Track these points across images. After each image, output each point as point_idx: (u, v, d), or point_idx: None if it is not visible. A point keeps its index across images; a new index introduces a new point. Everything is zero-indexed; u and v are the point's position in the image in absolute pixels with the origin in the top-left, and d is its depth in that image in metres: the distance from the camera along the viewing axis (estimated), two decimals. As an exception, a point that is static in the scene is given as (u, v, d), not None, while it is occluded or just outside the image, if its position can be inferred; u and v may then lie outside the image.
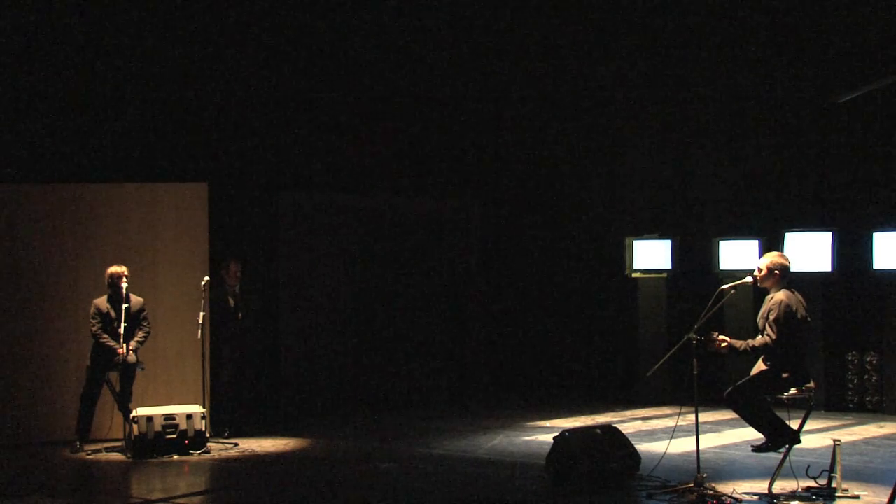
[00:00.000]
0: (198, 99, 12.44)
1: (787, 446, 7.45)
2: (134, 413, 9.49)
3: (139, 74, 12.21)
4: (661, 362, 8.20)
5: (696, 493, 7.28)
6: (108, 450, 9.66)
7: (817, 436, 9.74)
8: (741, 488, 7.57)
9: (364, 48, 13.61)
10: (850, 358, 11.71)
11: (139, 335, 9.90)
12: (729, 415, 9.38)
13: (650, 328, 13.06)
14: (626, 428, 9.78)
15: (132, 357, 9.76)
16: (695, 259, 12.93)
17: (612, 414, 11.71)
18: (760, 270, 7.67)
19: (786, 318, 7.41)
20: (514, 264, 14.57)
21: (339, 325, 13.39)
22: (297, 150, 13.14)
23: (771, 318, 7.44)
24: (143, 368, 9.92)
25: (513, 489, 7.85)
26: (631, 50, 13.89)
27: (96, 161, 11.76)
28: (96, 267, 10.20)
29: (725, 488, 7.49)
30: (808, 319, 7.61)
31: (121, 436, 9.66)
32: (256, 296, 11.31)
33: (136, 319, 9.90)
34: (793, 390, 7.46)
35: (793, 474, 7.44)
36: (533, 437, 10.22)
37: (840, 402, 11.71)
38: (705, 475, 7.47)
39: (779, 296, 7.52)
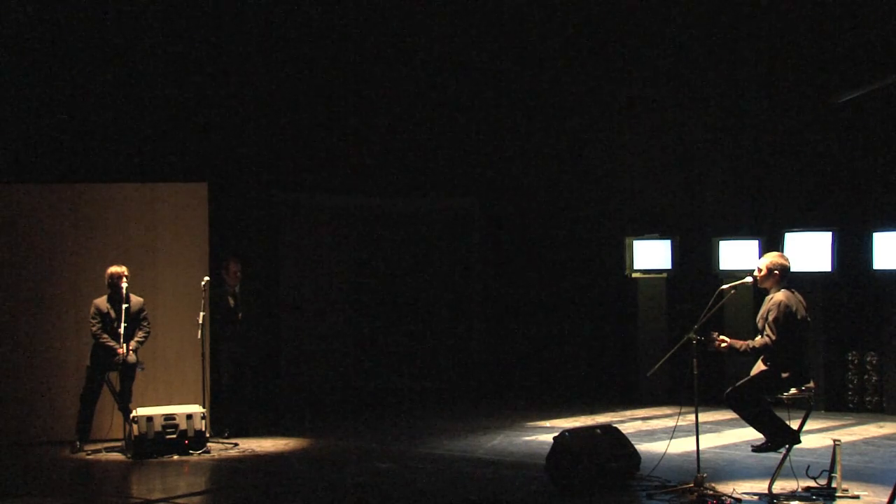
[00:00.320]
0: (198, 99, 12.45)
1: (787, 446, 7.45)
2: (134, 413, 9.49)
3: (139, 74, 12.21)
4: (661, 362, 8.19)
5: (696, 493, 7.28)
6: (108, 450, 9.66)
7: (817, 436, 9.74)
8: (741, 488, 7.57)
9: (364, 48, 13.61)
10: (850, 358, 11.71)
11: (139, 335, 9.90)
12: (729, 415, 9.38)
13: (650, 328, 13.05)
14: (626, 428, 9.78)
15: (132, 357, 9.76)
16: (695, 259, 12.93)
17: (612, 414, 11.70)
18: (760, 270, 7.67)
19: (785, 318, 7.41)
20: (514, 264, 14.57)
21: (339, 325, 13.40)
22: (297, 151, 13.14)
23: (770, 318, 7.43)
24: (143, 368, 9.92)
25: (513, 489, 7.84)
26: (631, 50, 13.89)
27: (96, 161, 11.76)
28: (96, 267, 10.19)
29: (725, 488, 7.49)
30: (808, 319, 7.61)
31: (121, 436, 9.66)
32: (255, 296, 11.32)
33: (136, 319, 9.90)
34: (793, 390, 7.46)
35: (793, 474, 7.44)
36: (533, 437, 10.21)
37: (840, 402, 11.70)
38: (705, 475, 7.47)
39: (778, 296, 7.52)
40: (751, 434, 8.10)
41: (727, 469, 8.41)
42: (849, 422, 10.93)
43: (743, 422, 7.67)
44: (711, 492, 7.33)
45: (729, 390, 7.53)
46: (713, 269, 12.40)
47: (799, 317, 7.48)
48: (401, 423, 11.35)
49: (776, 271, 7.62)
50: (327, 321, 13.31)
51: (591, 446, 7.81)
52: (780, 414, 7.50)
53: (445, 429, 10.85)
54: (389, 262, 13.83)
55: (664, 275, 13.00)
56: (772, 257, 7.73)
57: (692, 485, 7.37)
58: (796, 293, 7.62)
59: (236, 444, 9.88)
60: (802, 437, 7.66)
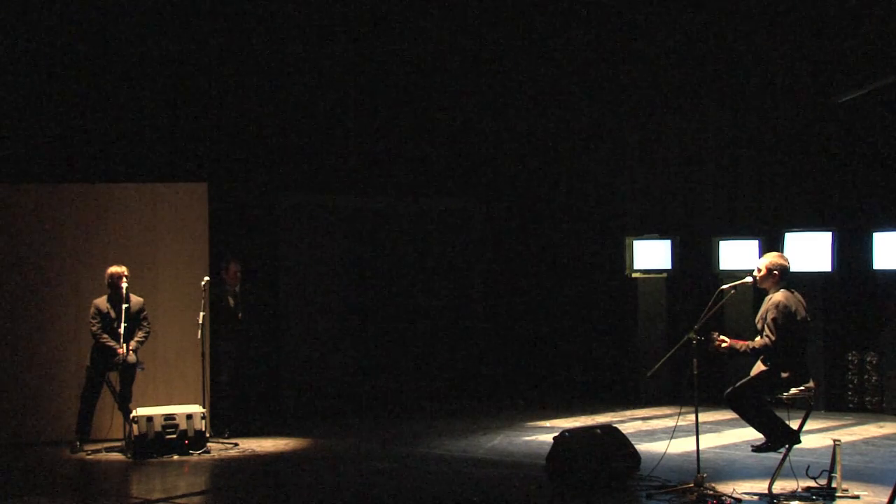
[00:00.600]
0: (198, 99, 12.45)
1: (787, 446, 7.45)
2: (134, 413, 9.49)
3: (139, 74, 12.21)
4: (661, 362, 8.19)
5: (696, 493, 7.28)
6: (108, 450, 9.66)
7: (817, 436, 9.74)
8: (741, 488, 7.57)
9: (364, 48, 13.61)
10: (850, 358, 11.71)
11: (139, 335, 9.90)
12: (729, 415, 9.38)
13: (650, 328, 13.05)
14: (626, 428, 9.78)
15: (132, 357, 9.76)
16: (695, 259, 12.93)
17: (612, 414, 11.71)
18: (760, 270, 7.67)
19: (785, 319, 7.41)
20: (515, 264, 14.57)
21: (339, 326, 13.40)
22: (297, 151, 13.14)
23: (769, 319, 7.43)
24: (143, 368, 9.92)
25: (513, 489, 7.85)
26: (631, 50, 13.89)
27: (96, 161, 11.76)
28: (96, 267, 10.20)
29: (725, 488, 7.49)
30: (808, 320, 7.61)
31: (121, 436, 9.66)
32: (255, 296, 11.32)
33: (136, 319, 9.90)
34: (793, 390, 7.46)
35: (793, 474, 7.44)
36: (533, 437, 10.22)
37: (840, 402, 11.71)
38: (705, 475, 7.47)
39: (777, 297, 7.52)
40: (751, 434, 8.10)
41: (727, 469, 8.41)
42: (849, 422, 10.93)
43: (743, 422, 7.67)
44: (711, 492, 7.33)
45: (729, 390, 7.53)
46: (713, 269, 12.40)
47: (799, 317, 7.48)
48: (401, 423, 11.35)
49: (776, 271, 7.62)
50: (327, 321, 13.31)
51: (591, 446, 7.81)
52: (780, 414, 7.50)
53: (445, 429, 10.86)
54: (389, 262, 13.83)
55: (664, 275, 13.00)
56: (771, 257, 7.73)
57: (692, 485, 7.38)
58: (796, 293, 7.62)
59: (236, 444, 9.88)
60: (802, 437, 7.67)
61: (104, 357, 9.75)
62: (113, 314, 9.79)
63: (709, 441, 9.53)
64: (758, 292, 8.30)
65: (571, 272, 14.37)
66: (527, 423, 11.19)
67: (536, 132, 14.55)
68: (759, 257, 8.60)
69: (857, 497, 7.27)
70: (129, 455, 9.41)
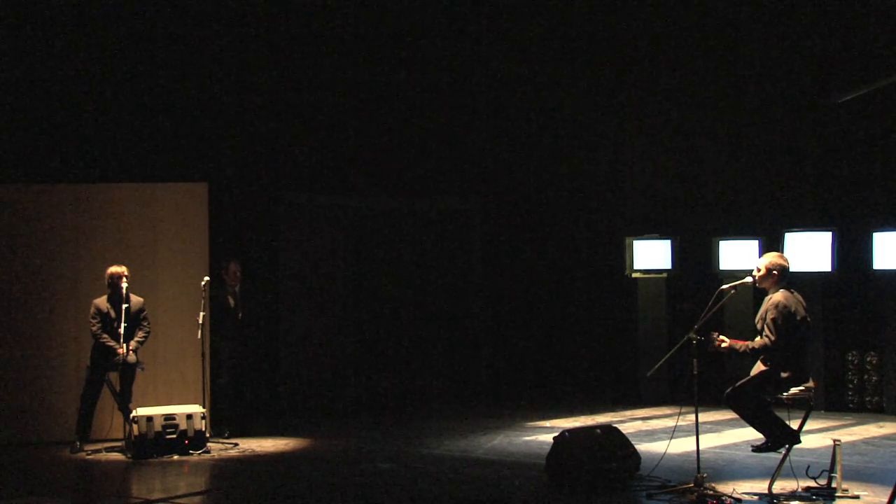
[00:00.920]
0: (198, 99, 12.44)
1: (787, 446, 7.45)
2: (134, 413, 9.49)
3: (139, 74, 12.21)
4: (661, 362, 8.20)
5: (696, 493, 7.28)
6: (108, 450, 9.66)
7: (817, 436, 9.74)
8: (741, 488, 7.57)
9: (364, 48, 13.61)
10: (850, 358, 11.71)
11: (139, 335, 9.90)
12: (729, 415, 9.38)
13: (650, 328, 13.05)
14: (626, 428, 9.78)
15: (132, 357, 9.76)
16: (695, 259, 12.93)
17: (612, 414, 11.71)
18: (759, 270, 7.67)
19: (784, 319, 7.40)
20: (515, 264, 14.57)
21: (339, 326, 13.40)
22: (297, 151, 13.14)
23: (769, 319, 7.43)
24: (143, 368, 9.92)
25: (513, 489, 7.85)
26: (631, 50, 13.89)
27: (96, 161, 11.76)
28: (96, 267, 10.20)
29: (725, 488, 7.49)
30: (808, 320, 7.60)
31: (121, 436, 9.66)
32: (255, 296, 11.32)
33: (136, 319, 9.90)
34: (793, 390, 7.46)
35: (793, 474, 7.44)
36: (533, 437, 10.21)
37: (840, 402, 11.70)
38: (705, 475, 7.47)
39: (777, 297, 7.52)
40: (751, 434, 8.10)
41: (727, 469, 8.41)
42: (849, 422, 10.93)
43: (743, 422, 7.67)
44: (711, 492, 7.33)
45: (729, 390, 7.53)
46: (713, 269, 12.40)
47: (798, 317, 7.48)
48: (401, 423, 11.35)
49: (775, 271, 7.62)
50: (327, 321, 13.31)
51: (591, 446, 7.81)
52: (780, 414, 7.50)
53: (445, 429, 10.86)
54: (389, 262, 13.83)
55: (664, 275, 13.00)
56: (771, 257, 7.73)
57: (692, 485, 7.38)
58: (795, 293, 7.62)
59: (236, 444, 9.88)
60: (802, 437, 7.66)
61: (104, 357, 9.75)
62: (113, 314, 9.79)
63: (709, 441, 9.53)
64: (758, 292, 8.30)
65: (571, 272, 14.37)
66: (527, 423, 11.19)
67: (536, 132, 14.55)
68: (759, 257, 8.59)
69: (857, 497, 7.27)
70: (129, 455, 9.41)
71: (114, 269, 9.86)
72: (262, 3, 12.96)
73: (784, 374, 7.45)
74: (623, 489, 7.70)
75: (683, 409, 8.76)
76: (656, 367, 8.31)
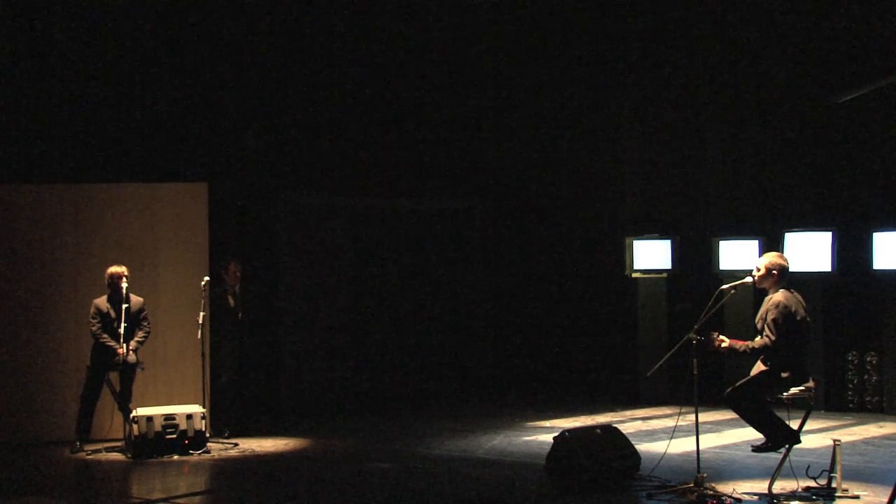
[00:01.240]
0: (198, 99, 12.44)
1: (787, 446, 7.45)
2: (134, 413, 9.49)
3: (139, 74, 12.21)
4: (661, 362, 8.19)
5: (696, 493, 7.28)
6: (108, 450, 9.66)
7: (817, 436, 9.74)
8: (741, 488, 7.57)
9: (364, 48, 13.61)
10: (850, 358, 11.70)
11: (139, 335, 9.90)
12: (729, 415, 9.38)
13: (650, 328, 13.05)
14: (626, 428, 9.78)
15: (132, 357, 9.76)
16: (695, 259, 12.93)
17: (612, 414, 11.71)
18: (759, 270, 7.67)
19: (784, 319, 7.40)
20: (515, 264, 14.57)
21: (338, 326, 13.40)
22: (297, 151, 13.14)
23: (769, 319, 7.43)
24: (143, 368, 9.92)
25: (513, 489, 7.85)
26: (631, 50, 13.89)
27: (96, 161, 11.76)
28: (96, 267, 10.20)
29: (725, 488, 7.49)
30: (808, 320, 7.60)
31: (121, 436, 9.66)
32: (255, 296, 11.32)
33: (136, 319, 9.90)
34: (793, 390, 7.46)
35: (793, 474, 7.44)
36: (533, 437, 10.21)
37: (840, 402, 11.70)
38: (705, 475, 7.47)
39: (777, 297, 7.52)
40: (751, 434, 8.10)
41: (727, 469, 8.41)
42: (849, 422, 10.93)
43: (743, 422, 7.66)
44: (711, 492, 7.33)
45: (729, 390, 7.53)
46: (713, 269, 12.40)
47: (798, 317, 7.48)
48: (401, 423, 11.35)
49: (775, 271, 7.62)
50: (327, 321, 13.31)
51: (591, 446, 7.81)
52: (780, 414, 7.50)
53: (445, 429, 10.85)
54: (389, 262, 13.83)
55: (664, 275, 13.00)
56: (770, 257, 7.73)
57: (692, 485, 7.38)
58: (795, 293, 7.62)
59: (236, 444, 9.88)
60: (802, 437, 7.66)
61: (104, 357, 9.75)
62: (113, 314, 9.80)
63: (709, 441, 9.53)
64: (758, 292, 8.30)
65: (571, 272, 14.36)
66: (527, 423, 11.19)
67: (536, 132, 14.55)
68: (759, 257, 8.59)
69: (857, 497, 7.27)
70: (129, 455, 9.41)
71: (114, 269, 9.86)
72: (262, 3, 12.95)
73: (784, 374, 7.45)
74: (623, 489, 7.70)
75: (683, 409, 8.76)
76: (656, 367, 8.30)
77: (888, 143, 11.92)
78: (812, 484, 7.49)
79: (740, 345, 7.49)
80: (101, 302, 9.87)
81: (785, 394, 7.46)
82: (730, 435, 9.97)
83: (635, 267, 13.12)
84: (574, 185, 14.49)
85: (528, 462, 8.84)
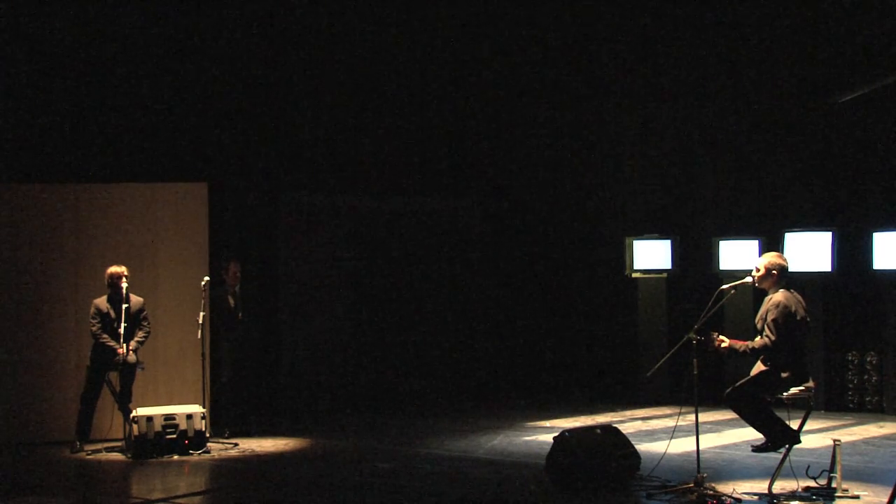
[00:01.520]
0: (198, 99, 12.44)
1: (787, 446, 7.45)
2: (134, 413, 9.49)
3: (139, 74, 12.21)
4: (661, 362, 8.20)
5: (696, 493, 7.28)
6: (108, 450, 9.66)
7: (817, 436, 9.74)
8: (741, 488, 7.57)
9: (364, 49, 13.61)
10: (850, 358, 11.71)
11: (139, 335, 9.90)
12: (729, 415, 9.38)
13: (650, 328, 13.05)
14: (626, 428, 9.78)
15: (132, 357, 9.76)
16: (695, 259, 12.94)
17: (612, 414, 11.71)
18: (758, 270, 7.67)
19: (784, 319, 7.41)
20: (515, 264, 14.57)
21: (338, 325, 13.40)
22: (297, 151, 13.14)
23: (769, 319, 7.44)
24: (143, 368, 9.92)
25: (513, 489, 7.84)
26: (631, 50, 13.89)
27: (96, 161, 11.76)
28: (96, 267, 10.20)
29: (725, 488, 7.49)
30: (808, 320, 7.61)
31: (121, 436, 9.66)
32: (255, 296, 11.32)
33: (136, 319, 9.90)
34: (793, 390, 7.46)
35: (793, 474, 7.44)
36: (533, 437, 10.21)
37: (840, 402, 11.70)
38: (705, 475, 7.47)
39: (777, 297, 7.52)
40: (751, 434, 8.10)
41: (727, 469, 8.41)
42: (849, 422, 10.93)
43: (743, 422, 7.67)
44: (711, 492, 7.33)
45: (729, 390, 7.53)
46: (713, 269, 12.40)
47: (798, 317, 7.48)
48: (401, 423, 11.35)
49: (774, 271, 7.62)
50: (327, 321, 13.31)
51: (591, 446, 7.81)
52: (780, 414, 7.50)
53: (445, 429, 10.86)
54: (389, 262, 13.83)
55: (664, 275, 13.00)
56: (770, 257, 7.74)
57: (692, 485, 7.38)
58: (795, 293, 7.62)
59: (236, 444, 9.88)
60: (802, 437, 7.67)
61: (104, 357, 9.75)
62: (113, 314, 9.79)
63: (709, 441, 9.53)
64: (758, 292, 8.30)
65: (571, 272, 14.36)
66: (527, 423, 11.19)
67: (536, 132, 14.55)
68: (759, 257, 8.60)
69: (857, 497, 7.27)
70: (129, 455, 9.41)
71: (114, 269, 9.86)
72: (262, 3, 12.95)
73: (784, 374, 7.45)
74: (623, 489, 7.70)
75: (683, 409, 8.75)
76: (656, 367, 8.31)
77: (888, 143, 11.92)
78: (812, 484, 7.49)
79: (740, 345, 7.50)
80: (101, 302, 9.87)
81: (785, 394, 7.46)
82: (730, 435, 9.97)
83: (635, 267, 13.13)
84: (574, 185, 14.49)
85: (528, 462, 8.85)
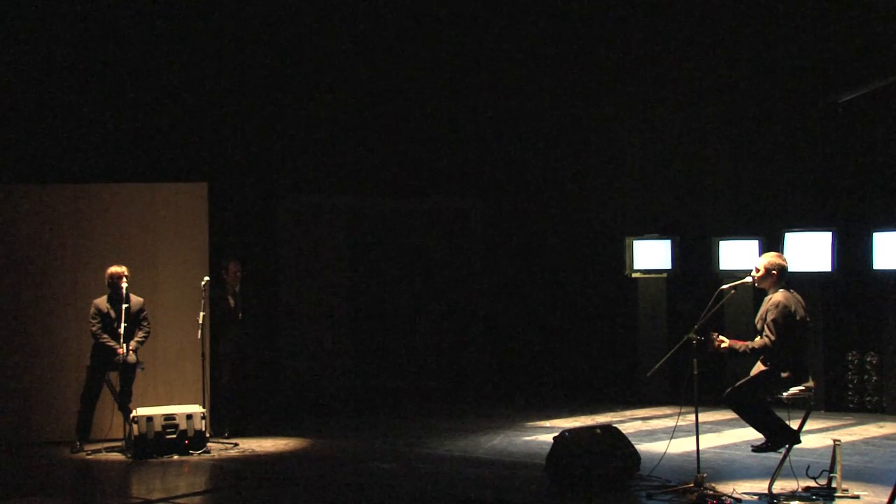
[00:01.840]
0: (198, 99, 12.45)
1: (787, 446, 7.45)
2: (134, 413, 9.49)
3: (139, 74, 12.21)
4: (661, 362, 8.19)
5: (696, 493, 7.28)
6: (108, 450, 9.66)
7: (817, 436, 9.74)
8: (741, 488, 7.57)
9: (364, 49, 13.61)
10: (850, 358, 11.71)
11: (139, 335, 9.90)
12: (729, 415, 9.37)
13: (650, 328, 13.05)
14: (626, 428, 9.78)
15: (132, 357, 9.76)
16: (695, 259, 12.93)
17: (612, 414, 11.71)
18: (758, 270, 7.67)
19: (784, 319, 7.41)
20: (515, 264, 14.57)
21: (339, 325, 13.40)
22: (297, 151, 13.15)
23: (769, 319, 7.43)
24: (143, 368, 9.92)
25: (513, 489, 7.84)
26: (631, 50, 13.89)
27: (96, 161, 11.77)
28: (96, 267, 10.20)
29: (725, 488, 7.49)
30: (808, 320, 7.61)
31: (121, 436, 9.66)
32: (255, 296, 11.32)
33: (136, 319, 9.90)
34: (793, 390, 7.46)
35: (793, 474, 7.44)
36: (533, 437, 10.21)
37: (840, 402, 11.70)
38: (705, 475, 7.47)
39: (777, 297, 7.52)
40: (751, 434, 8.10)
41: (727, 469, 8.41)
42: (849, 422, 10.93)
43: (743, 422, 7.67)
44: (711, 492, 7.33)
45: (729, 390, 7.53)
46: (713, 269, 12.40)
47: (798, 317, 7.48)
48: (401, 423, 11.35)
49: (774, 271, 7.62)
50: (327, 321, 13.31)
51: (591, 446, 7.81)
52: (780, 414, 7.50)
53: (445, 429, 10.86)
54: (389, 262, 13.83)
55: (664, 275, 13.00)
56: (769, 257, 7.74)
57: (692, 485, 7.38)
58: (795, 293, 7.62)
59: (236, 444, 9.88)
60: (802, 437, 7.67)
61: (104, 357, 9.75)
62: (113, 314, 9.79)
63: (709, 441, 9.53)
64: (758, 292, 8.30)
65: (571, 272, 14.36)
66: (527, 423, 11.19)
67: (536, 132, 14.55)
68: (759, 257, 8.59)
69: (857, 497, 7.27)
70: (129, 455, 9.40)
71: (114, 269, 9.86)
72: (262, 3, 12.96)
73: (784, 374, 7.45)
74: (623, 489, 7.70)
75: (683, 409, 8.75)
76: (656, 367, 8.30)
77: (888, 143, 11.92)
78: (812, 484, 7.49)
79: (740, 345, 7.50)
80: (101, 302, 9.87)
81: (785, 394, 7.46)
82: (730, 435, 9.97)
83: (635, 267, 13.13)
84: (574, 185, 14.49)
85: (528, 462, 8.85)
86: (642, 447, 8.55)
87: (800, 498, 7.31)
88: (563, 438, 7.84)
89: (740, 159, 13.18)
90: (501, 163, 14.55)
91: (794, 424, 7.53)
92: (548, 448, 7.98)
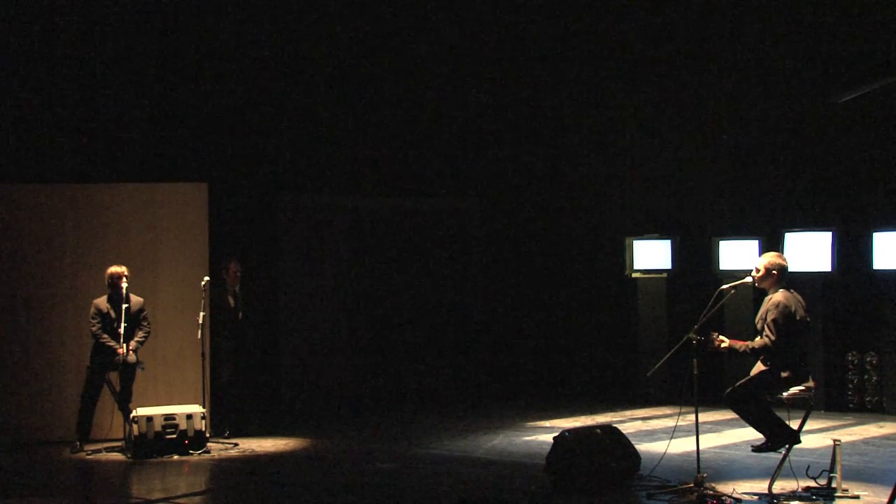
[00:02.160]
0: (198, 99, 12.45)
1: (787, 446, 7.45)
2: (134, 413, 9.49)
3: (139, 74, 12.21)
4: (661, 362, 8.19)
5: (696, 493, 7.28)
6: (108, 450, 9.66)
7: (817, 436, 9.74)
8: (741, 488, 7.57)
9: (364, 49, 13.61)
10: (850, 358, 11.71)
11: (139, 335, 9.90)
12: (729, 415, 9.38)
13: (650, 328, 13.05)
14: (626, 428, 9.78)
15: (132, 357, 9.76)
16: (695, 259, 12.94)
17: (612, 414, 11.71)
18: (758, 270, 7.67)
19: (784, 319, 7.41)
20: (514, 264, 14.57)
21: (338, 325, 13.40)
22: (296, 151, 13.14)
23: (769, 319, 7.43)
24: (143, 368, 9.92)
25: (513, 489, 7.85)
26: (630, 51, 13.89)
27: (96, 161, 11.77)
28: (96, 267, 10.20)
29: (725, 488, 7.49)
30: (808, 319, 7.61)
31: (121, 436, 9.66)
32: (256, 296, 11.32)
33: (136, 319, 9.90)
34: (793, 390, 7.46)
35: (793, 474, 7.44)
36: (533, 437, 10.22)
37: (840, 402, 11.70)
38: (705, 475, 7.47)
39: (777, 297, 7.52)
40: (751, 434, 8.10)
41: (727, 469, 8.41)
42: (849, 422, 10.93)
43: (743, 422, 7.67)
44: (711, 492, 7.33)
45: (729, 390, 7.53)
46: (713, 269, 12.41)
47: (798, 317, 7.48)
48: (401, 423, 11.35)
49: (774, 271, 7.62)
50: (327, 321, 13.31)
51: (591, 446, 7.81)
52: (780, 414, 7.50)
53: (445, 429, 10.86)
54: (389, 262, 13.83)
55: (664, 275, 13.01)
56: (769, 257, 7.74)
57: (692, 485, 7.38)
58: (795, 293, 7.62)
59: (236, 444, 9.88)
60: (802, 437, 7.67)
61: (104, 357, 9.75)
62: (113, 314, 9.80)
63: (709, 441, 9.53)
64: (758, 292, 8.30)
65: (571, 272, 14.36)
66: (527, 423, 11.19)
67: (536, 132, 14.55)
68: (759, 257, 8.59)
69: (857, 497, 7.27)
70: (129, 455, 9.41)
71: (114, 269, 9.86)
72: (262, 3, 12.95)
73: (784, 374, 7.45)
74: (623, 489, 7.70)
75: (683, 409, 8.76)
76: (656, 367, 8.30)
77: (888, 143, 11.92)
78: (812, 484, 7.49)
79: (740, 345, 7.50)
80: (101, 302, 9.88)
81: (785, 394, 7.46)
82: (730, 435, 9.97)
83: (635, 267, 13.14)
84: (574, 185, 14.49)
85: (528, 462, 8.85)
86: (642, 447, 8.56)
87: (800, 498, 7.31)
88: (563, 438, 7.84)
89: (740, 159, 13.18)
90: (501, 163, 14.55)
91: (794, 424, 7.53)
92: (548, 448, 7.98)
